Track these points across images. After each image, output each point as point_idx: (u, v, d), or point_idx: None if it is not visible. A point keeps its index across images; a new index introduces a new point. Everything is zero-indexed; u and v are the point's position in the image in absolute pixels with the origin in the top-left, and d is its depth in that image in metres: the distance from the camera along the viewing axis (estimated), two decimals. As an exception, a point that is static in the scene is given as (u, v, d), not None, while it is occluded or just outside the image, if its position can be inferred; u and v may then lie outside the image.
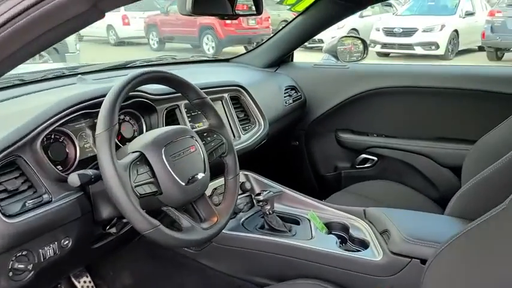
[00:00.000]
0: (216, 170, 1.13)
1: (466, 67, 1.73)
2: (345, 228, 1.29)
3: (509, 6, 8.58)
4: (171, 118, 1.27)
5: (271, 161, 2.09)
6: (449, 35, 9.03)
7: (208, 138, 1.09)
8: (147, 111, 1.19)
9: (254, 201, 1.40)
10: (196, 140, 1.01)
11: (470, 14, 9.53)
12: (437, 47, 8.99)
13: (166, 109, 1.24)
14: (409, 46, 9.07)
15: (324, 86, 1.97)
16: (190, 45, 10.56)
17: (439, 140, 1.79)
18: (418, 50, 9.04)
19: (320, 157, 2.05)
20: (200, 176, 0.99)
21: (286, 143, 2.07)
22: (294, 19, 1.88)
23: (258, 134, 1.53)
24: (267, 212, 1.27)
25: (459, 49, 9.33)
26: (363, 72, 1.92)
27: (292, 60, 2.09)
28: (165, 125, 1.20)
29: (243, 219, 1.33)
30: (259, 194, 1.27)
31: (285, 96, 1.83)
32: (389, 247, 1.12)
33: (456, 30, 9.15)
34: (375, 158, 1.91)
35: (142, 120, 1.19)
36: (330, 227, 1.31)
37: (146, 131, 1.17)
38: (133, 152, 0.92)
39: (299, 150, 2.06)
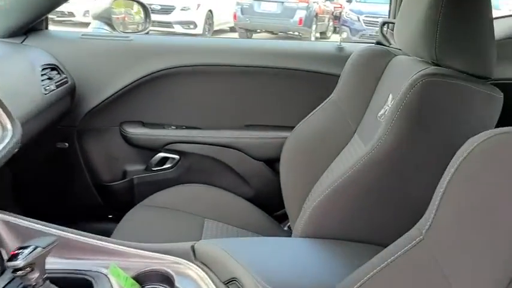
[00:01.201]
0: None
1: (275, 42, 1.50)
2: (167, 278, 0.86)
3: (253, -10, 9.28)
4: None
5: (26, 174, 1.46)
6: (205, 14, 9.24)
7: None
8: None
9: (6, 266, 0.82)
10: None
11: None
12: (196, 26, 9.10)
13: None
14: (169, 24, 8.89)
15: (100, 64, 1.44)
16: None
17: (250, 128, 1.52)
18: (178, 29, 8.96)
19: (101, 161, 1.52)
20: None
21: (49, 146, 1.46)
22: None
23: (3, 145, 0.92)
24: (34, 284, 0.73)
25: (214, 29, 9.69)
26: (152, 47, 1.47)
27: (47, 27, 1.47)
28: None
29: None
30: (14, 257, 0.71)
31: (42, 80, 1.23)
32: None
33: (211, 11, 9.43)
34: (176, 157, 1.51)
35: None
36: (142, 279, 0.86)
37: None
38: None
39: (70, 155, 1.48)
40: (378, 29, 1.48)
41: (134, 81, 1.44)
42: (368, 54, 1.19)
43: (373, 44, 1.32)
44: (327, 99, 1.28)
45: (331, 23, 10.28)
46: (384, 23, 1.36)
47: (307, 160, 1.27)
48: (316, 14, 9.34)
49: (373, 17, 8.31)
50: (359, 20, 8.56)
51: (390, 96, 1.07)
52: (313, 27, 9.27)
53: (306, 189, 1.24)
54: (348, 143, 1.22)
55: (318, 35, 9.72)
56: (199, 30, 9.15)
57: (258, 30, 9.58)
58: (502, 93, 0.86)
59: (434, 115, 0.83)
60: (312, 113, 1.29)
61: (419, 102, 0.82)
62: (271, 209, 1.50)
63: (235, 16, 9.25)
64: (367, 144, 1.04)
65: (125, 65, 1.44)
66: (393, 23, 1.37)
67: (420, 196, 0.89)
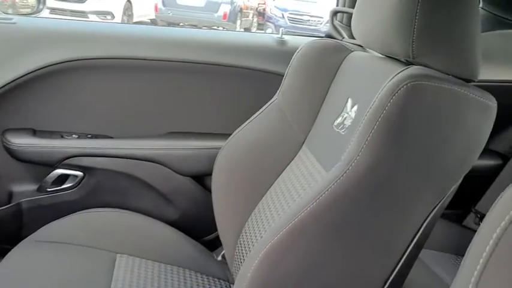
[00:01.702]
0: None
1: (204, 32, 1.23)
2: None
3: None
4: None
5: None
6: (123, 4, 8.71)
7: None
8: None
9: None
10: None
11: (140, -15, 9.45)
12: (113, 16, 8.53)
13: None
14: (83, 14, 8.22)
15: None
16: None
17: (174, 137, 1.25)
18: (93, 19, 8.32)
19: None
20: None
21: None
22: None
23: None
24: None
25: (134, 21, 9.17)
26: (44, 33, 1.14)
27: None
28: None
29: None
30: None
31: None
32: None
33: (129, 1, 8.92)
34: (79, 173, 1.19)
35: None
36: None
37: None
38: None
39: None
40: (303, 26, 1.28)
41: (20, 77, 1.11)
42: (319, 49, 0.98)
43: (322, 37, 1.12)
44: (268, 102, 1.06)
45: (255, 19, 10.21)
46: (335, 13, 1.16)
47: (245, 175, 1.04)
48: (241, 9, 9.21)
49: (297, 15, 8.32)
50: (283, 16, 8.54)
51: (350, 101, 0.87)
52: (238, 22, 9.12)
53: (245, 211, 1.02)
54: (295, 155, 1.01)
55: (242, 30, 9.59)
56: (117, 21, 8.58)
57: (181, 24, 9.23)
58: (496, 102, 0.68)
59: (421, 129, 0.63)
60: (251, 119, 1.07)
61: (404, 111, 0.62)
62: (201, 233, 1.25)
63: (156, 8, 8.83)
64: (327, 166, 0.82)
65: (6, 56, 1.10)
66: (346, 13, 1.18)
67: (398, 234, 0.70)
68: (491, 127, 0.68)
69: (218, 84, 1.22)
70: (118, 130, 1.22)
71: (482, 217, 1.30)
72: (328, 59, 0.97)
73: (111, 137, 1.22)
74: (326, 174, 0.72)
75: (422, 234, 0.70)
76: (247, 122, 1.07)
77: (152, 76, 1.20)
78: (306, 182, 0.87)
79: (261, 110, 1.06)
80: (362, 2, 0.83)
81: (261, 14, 10.06)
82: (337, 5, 1.23)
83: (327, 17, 7.98)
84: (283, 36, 1.23)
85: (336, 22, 1.15)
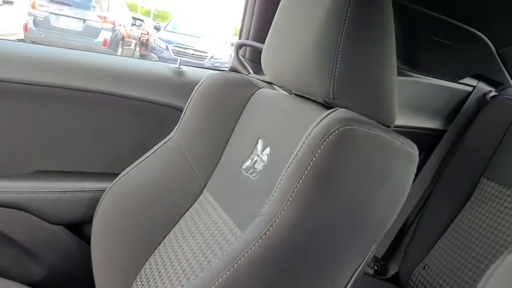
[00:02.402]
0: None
1: (87, 55, 1.04)
2: None
3: (51, 2, 8.32)
4: None
5: None
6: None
7: None
8: None
9: None
10: None
11: (8, 2, 8.63)
12: (-28, 33, 7.59)
13: None
14: None
15: None
16: None
17: (43, 176, 1.03)
18: None
19: None
20: None
21: None
22: None
23: None
24: None
25: (-2, 39, 8.24)
26: None
27: None
28: None
29: None
30: None
31: None
32: None
33: (-6, 17, 8.03)
34: None
35: None
36: None
37: None
38: None
39: None
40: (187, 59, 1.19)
41: None
42: (223, 83, 0.88)
43: (226, 71, 1.03)
44: (164, 140, 0.92)
45: (137, 49, 9.95)
46: (240, 46, 1.08)
47: (133, 224, 0.88)
48: (123, 37, 8.92)
49: (182, 48, 8.28)
50: (168, 48, 8.46)
51: (260, 142, 0.78)
52: (119, 50, 8.79)
53: (132, 266, 0.86)
54: (195, 201, 0.88)
55: (124, 59, 9.24)
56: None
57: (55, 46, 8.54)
58: (417, 149, 0.65)
59: (352, 177, 0.56)
60: (143, 158, 0.92)
61: (335, 158, 0.54)
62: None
63: (26, 27, 8.06)
64: (238, 220, 0.71)
65: None
66: (252, 47, 1.11)
67: None
68: (414, 174, 0.65)
69: (104, 115, 1.04)
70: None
71: (377, 260, 1.30)
72: (234, 94, 0.88)
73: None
74: (240, 232, 0.61)
75: None
76: (139, 160, 0.92)
77: (18, 102, 0.98)
78: (212, 238, 0.74)
79: (155, 148, 0.92)
80: (274, 35, 0.76)
81: (143, 44, 9.86)
82: (240, 38, 1.15)
83: (210, 53, 8.10)
84: (181, 66, 1.11)
85: (240, 57, 1.07)
